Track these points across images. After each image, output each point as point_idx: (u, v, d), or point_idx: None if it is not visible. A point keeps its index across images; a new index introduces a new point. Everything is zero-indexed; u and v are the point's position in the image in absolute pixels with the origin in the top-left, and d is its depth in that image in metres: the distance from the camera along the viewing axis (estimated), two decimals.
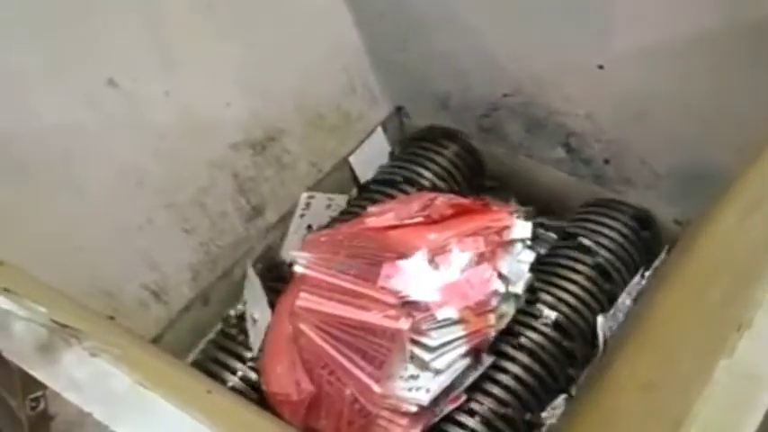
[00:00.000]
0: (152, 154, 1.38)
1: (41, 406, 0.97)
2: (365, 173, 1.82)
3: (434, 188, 1.70)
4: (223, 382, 1.40)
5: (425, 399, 1.19)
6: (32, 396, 0.96)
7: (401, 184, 1.70)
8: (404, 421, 1.20)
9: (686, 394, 0.68)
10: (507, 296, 1.31)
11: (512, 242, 1.36)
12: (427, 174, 1.72)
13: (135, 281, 1.40)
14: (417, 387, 1.20)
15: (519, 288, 1.32)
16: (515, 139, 1.72)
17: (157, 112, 1.37)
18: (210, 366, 1.43)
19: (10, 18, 1.14)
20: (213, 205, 1.51)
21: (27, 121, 1.19)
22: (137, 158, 1.36)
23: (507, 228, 1.36)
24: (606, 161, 1.60)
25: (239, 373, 1.41)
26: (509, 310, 1.32)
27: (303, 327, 1.27)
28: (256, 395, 1.39)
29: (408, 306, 1.22)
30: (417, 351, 1.20)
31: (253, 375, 1.41)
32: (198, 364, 1.46)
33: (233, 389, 1.39)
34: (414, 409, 1.19)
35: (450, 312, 1.21)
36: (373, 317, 1.22)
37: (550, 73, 1.52)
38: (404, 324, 1.19)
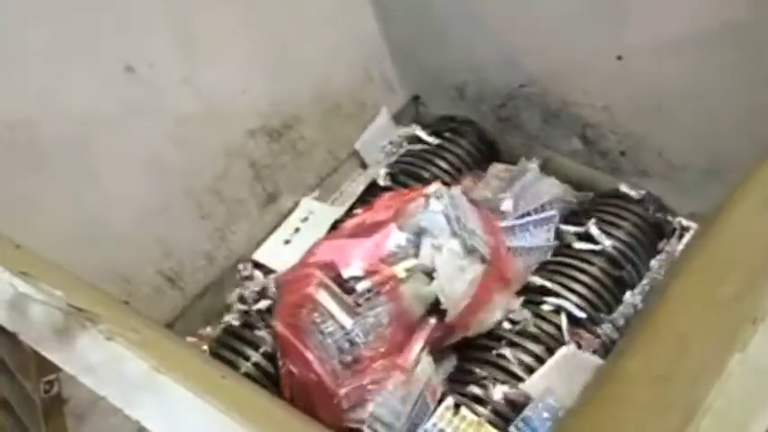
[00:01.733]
0: (169, 141, 1.38)
1: (55, 389, 0.98)
2: (371, 155, 1.83)
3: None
4: (236, 368, 1.40)
5: (349, 341, 1.27)
6: (47, 379, 0.96)
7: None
8: (347, 380, 1.28)
9: (699, 386, 0.68)
10: (437, 246, 1.35)
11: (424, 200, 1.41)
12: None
13: (151, 267, 1.41)
14: (342, 334, 1.28)
15: (443, 239, 1.36)
16: (532, 130, 1.71)
17: (175, 99, 1.38)
18: (224, 352, 1.44)
19: (27, 5, 1.14)
20: (229, 192, 1.51)
21: (46, 108, 1.19)
22: (154, 145, 1.36)
23: (426, 195, 1.42)
24: (622, 153, 1.59)
25: (252, 360, 1.42)
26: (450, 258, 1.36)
27: (278, 326, 1.33)
28: (268, 381, 1.39)
29: (323, 273, 1.31)
30: (329, 305, 1.29)
31: (265, 362, 1.41)
32: (211, 350, 1.46)
33: (246, 375, 1.39)
34: (348, 358, 1.28)
35: (354, 270, 1.30)
36: (299, 291, 1.31)
37: (568, 64, 1.52)
38: (312, 287, 1.29)
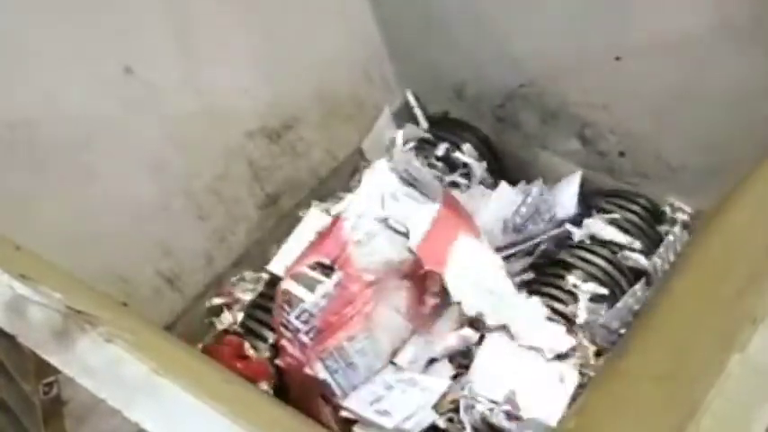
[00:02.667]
0: (169, 141, 1.38)
1: (54, 391, 0.98)
2: (375, 155, 1.80)
3: None
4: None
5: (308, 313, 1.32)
6: (46, 381, 0.96)
7: None
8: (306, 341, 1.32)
9: (699, 386, 0.68)
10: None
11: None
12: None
13: (150, 268, 1.40)
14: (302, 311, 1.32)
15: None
16: (530, 130, 1.71)
17: (175, 100, 1.38)
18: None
19: (27, 6, 1.14)
20: (229, 193, 1.51)
21: (46, 108, 1.19)
22: (154, 146, 1.36)
23: None
24: (621, 153, 1.59)
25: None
26: None
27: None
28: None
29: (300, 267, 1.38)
30: (296, 290, 1.34)
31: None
32: (210, 351, 1.46)
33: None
34: (311, 331, 1.32)
35: (324, 258, 1.36)
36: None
37: (567, 64, 1.52)
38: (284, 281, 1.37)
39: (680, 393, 0.77)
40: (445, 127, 1.80)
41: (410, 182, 1.45)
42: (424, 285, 1.39)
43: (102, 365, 0.74)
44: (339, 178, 1.73)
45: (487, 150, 1.78)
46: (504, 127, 1.75)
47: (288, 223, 1.63)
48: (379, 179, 1.43)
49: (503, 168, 1.79)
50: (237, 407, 0.79)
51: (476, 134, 1.78)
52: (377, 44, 1.77)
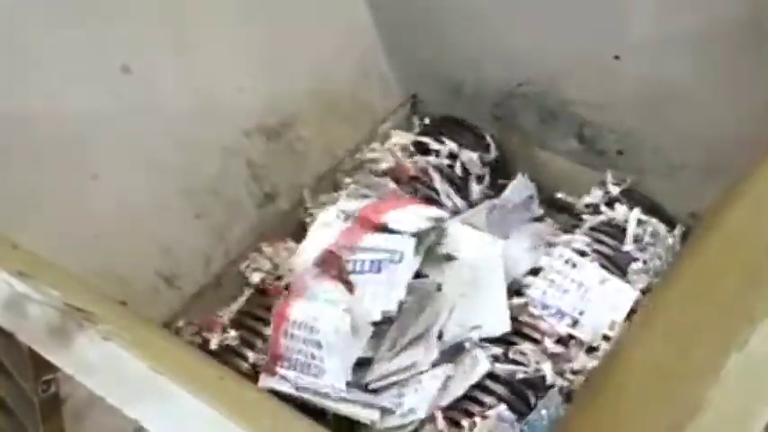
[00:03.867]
0: (166, 140, 1.38)
1: (53, 389, 0.97)
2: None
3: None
4: (234, 367, 1.40)
5: None
6: (44, 379, 0.96)
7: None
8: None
9: (699, 384, 0.68)
10: None
11: None
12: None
13: (148, 266, 1.40)
14: None
15: None
16: (529, 129, 1.71)
17: (172, 98, 1.38)
18: (221, 352, 1.43)
19: (27, 6, 1.14)
20: (227, 192, 1.51)
21: (44, 107, 1.19)
22: (151, 144, 1.36)
23: None
24: (620, 152, 1.59)
25: (250, 360, 1.41)
26: None
27: None
28: None
29: None
30: None
31: (263, 362, 1.41)
32: (209, 350, 1.46)
33: (244, 375, 1.39)
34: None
35: None
36: None
37: (565, 63, 1.52)
38: None
39: (680, 391, 0.77)
40: (446, 127, 1.79)
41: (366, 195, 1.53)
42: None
43: (100, 363, 0.74)
44: (338, 178, 1.73)
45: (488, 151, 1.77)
46: (502, 126, 1.75)
47: (286, 222, 1.63)
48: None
49: (501, 167, 1.79)
50: (236, 404, 0.79)
51: (476, 134, 1.77)
52: (375, 43, 1.77)
